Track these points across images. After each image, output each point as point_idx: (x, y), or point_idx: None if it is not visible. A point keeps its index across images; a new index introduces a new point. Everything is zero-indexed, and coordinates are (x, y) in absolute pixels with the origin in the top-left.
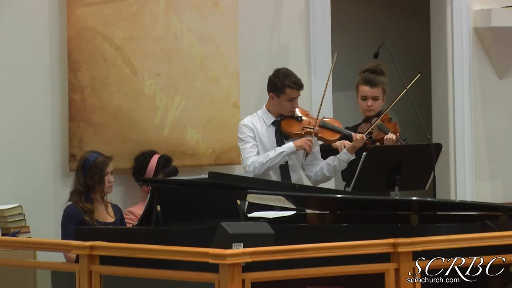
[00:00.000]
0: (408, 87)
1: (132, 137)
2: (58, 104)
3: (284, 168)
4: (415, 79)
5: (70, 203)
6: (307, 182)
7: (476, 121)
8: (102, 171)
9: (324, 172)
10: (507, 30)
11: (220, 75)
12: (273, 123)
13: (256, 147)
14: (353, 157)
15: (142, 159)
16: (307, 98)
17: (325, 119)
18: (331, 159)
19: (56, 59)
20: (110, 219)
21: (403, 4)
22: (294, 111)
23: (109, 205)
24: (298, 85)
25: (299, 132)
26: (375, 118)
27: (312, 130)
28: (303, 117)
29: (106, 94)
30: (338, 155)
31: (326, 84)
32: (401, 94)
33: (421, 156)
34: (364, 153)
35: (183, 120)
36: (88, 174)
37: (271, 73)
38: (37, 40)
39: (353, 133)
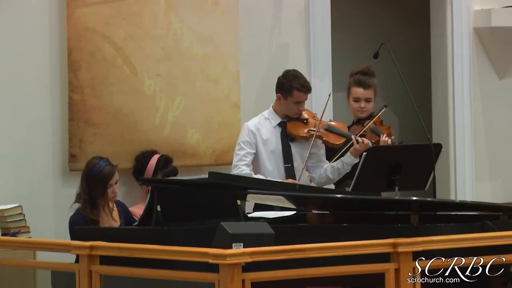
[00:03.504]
0: (373, 120)
1: (132, 137)
2: (58, 104)
3: (289, 170)
4: (381, 112)
5: (75, 204)
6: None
7: (476, 121)
8: (106, 183)
9: (327, 174)
10: (507, 30)
11: (220, 75)
12: (279, 124)
13: (250, 156)
14: (357, 160)
15: (142, 158)
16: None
17: (331, 123)
18: (335, 162)
19: (56, 59)
20: (115, 224)
21: (403, 4)
22: (301, 114)
23: (114, 208)
24: (306, 88)
25: (304, 135)
26: (368, 121)
27: (317, 132)
28: (309, 120)
29: (106, 94)
30: (342, 158)
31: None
32: (369, 123)
33: (421, 156)
34: (364, 153)
35: (183, 120)
36: (92, 185)
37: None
38: (37, 40)
39: (358, 138)
